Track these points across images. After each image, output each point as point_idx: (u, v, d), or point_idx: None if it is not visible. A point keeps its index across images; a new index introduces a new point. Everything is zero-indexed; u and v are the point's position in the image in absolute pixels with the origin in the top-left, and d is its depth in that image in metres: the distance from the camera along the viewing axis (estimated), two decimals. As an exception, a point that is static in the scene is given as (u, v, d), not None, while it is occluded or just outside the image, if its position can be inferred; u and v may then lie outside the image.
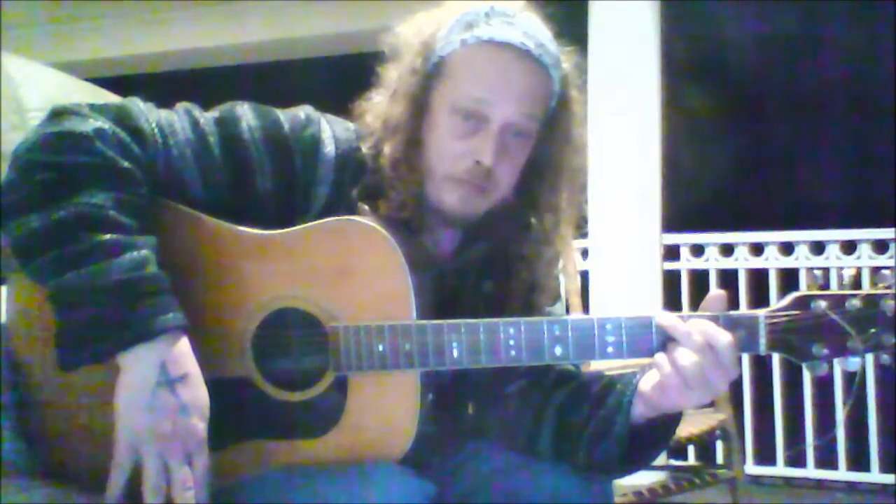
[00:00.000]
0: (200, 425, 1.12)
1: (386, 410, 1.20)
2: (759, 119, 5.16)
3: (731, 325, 1.15)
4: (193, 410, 1.12)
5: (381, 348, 1.18)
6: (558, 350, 1.18)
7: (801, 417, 4.07)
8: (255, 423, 1.21)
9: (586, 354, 1.19)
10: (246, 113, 1.26)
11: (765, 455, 4.13)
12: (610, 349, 1.17)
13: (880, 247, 4.02)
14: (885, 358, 1.13)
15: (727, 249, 4.30)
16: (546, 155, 1.33)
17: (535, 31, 1.27)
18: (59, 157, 1.14)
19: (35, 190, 1.13)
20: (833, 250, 4.09)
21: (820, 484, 4.05)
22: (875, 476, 3.92)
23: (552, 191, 1.34)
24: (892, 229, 3.87)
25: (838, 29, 4.76)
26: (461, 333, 1.18)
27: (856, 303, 1.12)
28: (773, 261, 4.20)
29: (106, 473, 1.15)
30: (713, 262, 4.30)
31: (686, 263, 4.34)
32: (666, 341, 1.16)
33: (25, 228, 1.11)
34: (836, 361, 1.14)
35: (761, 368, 4.13)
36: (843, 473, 3.99)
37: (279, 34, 5.47)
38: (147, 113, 1.22)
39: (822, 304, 1.13)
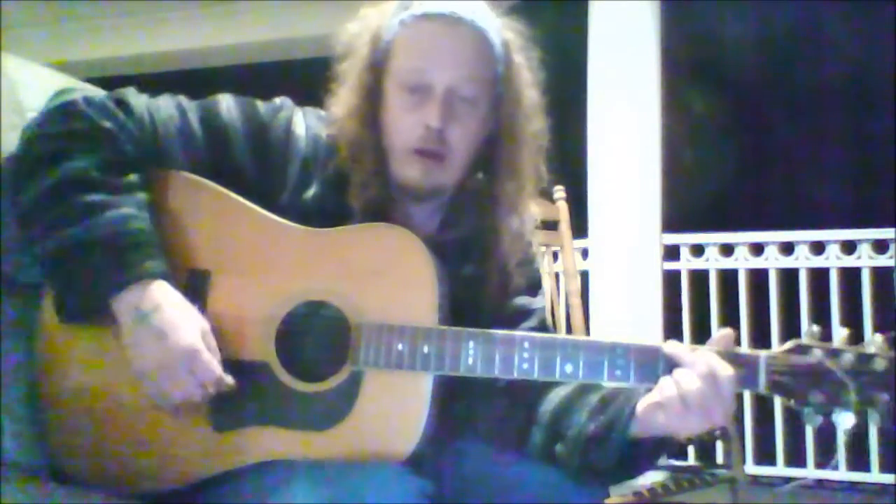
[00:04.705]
0: (186, 339, 1.19)
1: (394, 412, 1.22)
2: (758, 119, 5.15)
3: (733, 361, 1.19)
4: (171, 331, 1.19)
5: (400, 347, 1.22)
6: (568, 368, 1.22)
7: (801, 417, 4.06)
8: (264, 409, 1.23)
9: (595, 375, 1.22)
10: (225, 98, 1.36)
11: (765, 455, 4.13)
12: (618, 372, 1.21)
13: (880, 247, 4.03)
14: (876, 417, 1.18)
15: (727, 249, 4.30)
16: (500, 121, 1.36)
17: (467, 1, 1.32)
18: (52, 128, 1.25)
19: (32, 162, 1.24)
20: (833, 250, 4.09)
21: (820, 484, 4.06)
22: (875, 476, 3.92)
23: (510, 157, 1.37)
24: (892, 229, 3.87)
25: (838, 29, 4.76)
26: (479, 342, 1.22)
27: (850, 357, 1.18)
28: (773, 261, 4.20)
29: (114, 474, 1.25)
30: (713, 262, 4.30)
31: (686, 263, 4.34)
32: (672, 370, 1.20)
33: (24, 199, 1.23)
34: (833, 417, 1.20)
35: (761, 368, 4.12)
36: (843, 473, 3.99)
37: (278, 34, 5.47)
38: (137, 96, 1.32)
39: (819, 352, 1.19)
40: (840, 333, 1.21)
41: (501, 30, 1.34)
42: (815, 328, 1.21)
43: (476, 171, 1.40)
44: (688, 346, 1.21)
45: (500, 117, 1.36)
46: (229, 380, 1.22)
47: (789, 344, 1.21)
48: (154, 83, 1.37)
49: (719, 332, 1.23)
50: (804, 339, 1.20)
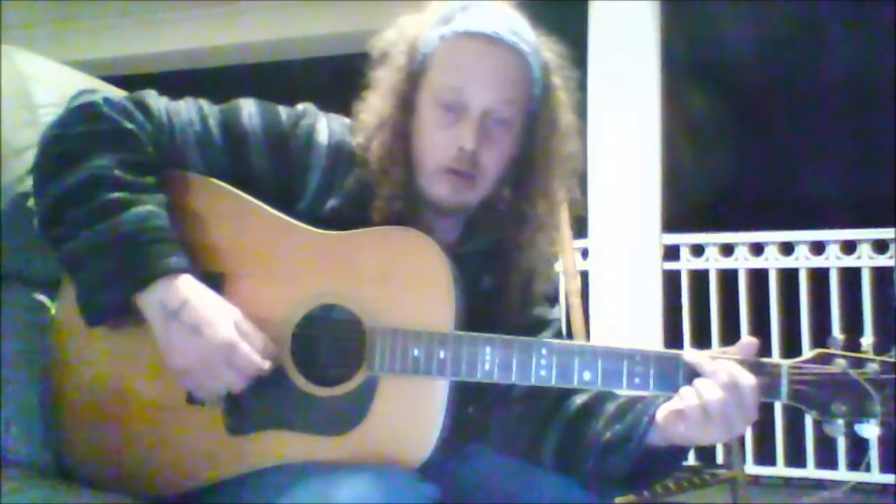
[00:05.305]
0: (221, 333, 1.18)
1: (410, 418, 1.21)
2: (758, 119, 5.15)
3: (755, 370, 1.18)
4: (205, 326, 1.18)
5: (415, 352, 1.21)
6: (587, 375, 1.20)
7: (801, 417, 4.06)
8: (278, 413, 1.23)
9: (613, 383, 1.21)
10: (248, 104, 1.34)
11: (765, 455, 4.13)
12: (637, 380, 1.20)
13: (880, 247, 4.03)
14: None
15: (727, 249, 4.30)
16: (535, 143, 1.35)
17: (509, 20, 1.30)
18: (72, 129, 1.24)
19: (54, 162, 1.23)
20: (833, 250, 4.09)
21: (820, 484, 4.05)
22: (875, 476, 3.92)
23: (544, 178, 1.36)
24: (892, 229, 3.87)
25: (838, 29, 4.76)
26: (496, 347, 1.21)
27: (875, 367, 1.16)
28: (773, 261, 4.20)
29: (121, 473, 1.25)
30: (713, 262, 4.30)
31: (686, 263, 4.34)
32: (692, 378, 1.18)
33: (46, 200, 1.22)
34: (856, 428, 1.18)
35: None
36: (843, 473, 3.99)
37: (279, 34, 5.47)
38: (157, 99, 1.31)
39: (843, 362, 1.17)
40: (866, 342, 1.18)
41: (541, 50, 1.33)
42: (840, 337, 1.19)
43: (502, 187, 1.38)
44: (708, 353, 1.19)
45: (535, 139, 1.34)
46: (266, 365, 1.21)
47: (813, 353, 1.19)
48: (154, 83, 1.36)
49: (742, 340, 1.21)
50: (828, 348, 1.18)
